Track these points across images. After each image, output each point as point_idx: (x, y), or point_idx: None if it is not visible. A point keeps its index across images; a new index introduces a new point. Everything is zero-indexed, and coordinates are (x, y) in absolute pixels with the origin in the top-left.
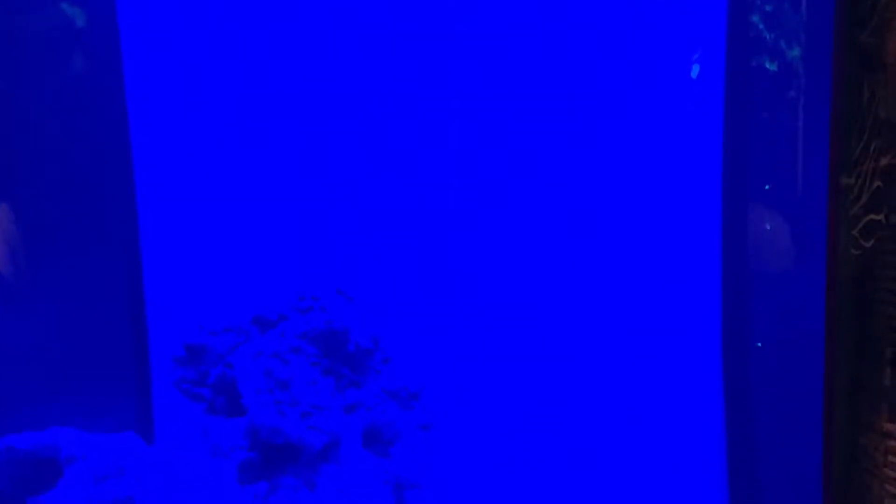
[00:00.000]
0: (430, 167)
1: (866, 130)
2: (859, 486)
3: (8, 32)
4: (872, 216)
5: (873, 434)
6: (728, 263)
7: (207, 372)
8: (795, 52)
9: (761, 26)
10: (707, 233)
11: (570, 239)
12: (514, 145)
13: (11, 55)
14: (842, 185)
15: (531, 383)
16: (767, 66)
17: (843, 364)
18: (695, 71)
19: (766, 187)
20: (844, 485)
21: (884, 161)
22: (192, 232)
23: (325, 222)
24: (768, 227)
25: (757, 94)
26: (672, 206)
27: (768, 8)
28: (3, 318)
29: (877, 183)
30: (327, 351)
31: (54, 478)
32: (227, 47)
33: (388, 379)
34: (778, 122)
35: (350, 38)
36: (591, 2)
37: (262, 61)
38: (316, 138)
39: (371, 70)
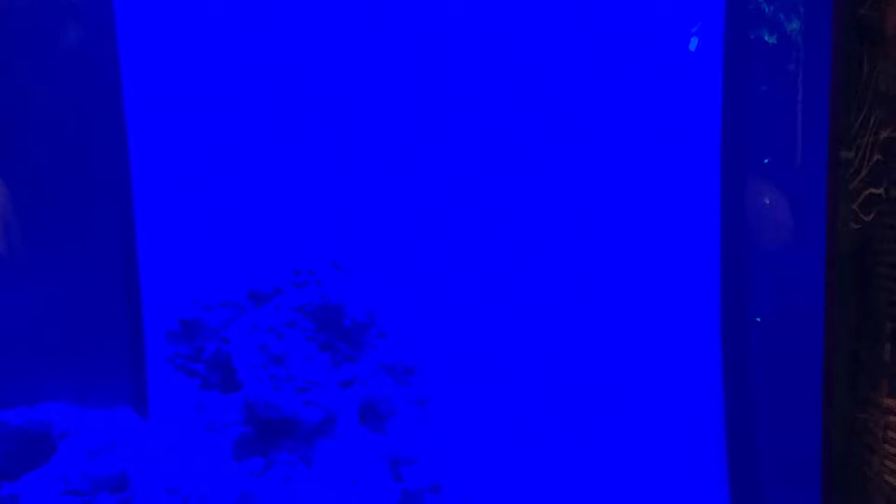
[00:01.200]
0: (427, 144)
1: (866, 104)
2: (859, 461)
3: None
4: (872, 190)
5: (873, 409)
6: (727, 238)
7: (202, 347)
8: (795, 24)
9: None
10: (706, 207)
11: (567, 213)
12: (510, 117)
13: (4, 28)
14: (841, 159)
15: (527, 357)
16: (766, 38)
17: (842, 339)
18: (693, 44)
19: (765, 161)
20: (844, 460)
21: (883, 134)
22: (187, 207)
23: (320, 196)
24: (767, 202)
25: (756, 67)
26: (670, 181)
27: None
28: None
29: (876, 156)
30: (323, 325)
31: (48, 453)
32: (221, 20)
33: (383, 354)
34: (777, 95)
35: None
36: None
37: (254, 35)
38: (312, 112)
39: (360, 50)
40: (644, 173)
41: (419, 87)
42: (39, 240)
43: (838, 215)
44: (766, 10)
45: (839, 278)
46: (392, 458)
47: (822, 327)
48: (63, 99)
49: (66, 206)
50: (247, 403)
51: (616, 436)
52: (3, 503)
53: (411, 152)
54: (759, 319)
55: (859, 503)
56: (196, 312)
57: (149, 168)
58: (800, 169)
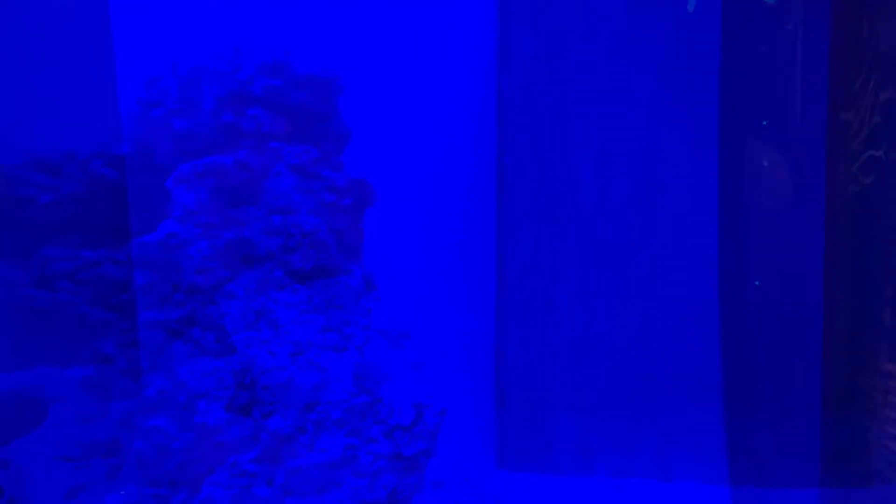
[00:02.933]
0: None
1: (866, 65)
2: (858, 426)
3: None
4: (872, 152)
5: (873, 374)
6: (724, 200)
7: (194, 310)
8: None
9: None
10: (703, 170)
11: (560, 173)
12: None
13: None
14: (841, 121)
15: (522, 321)
16: None
17: (842, 303)
18: (691, 4)
19: (764, 123)
20: (843, 425)
21: (883, 96)
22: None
23: None
24: (766, 164)
25: (754, 27)
26: (667, 142)
27: None
28: None
29: (876, 118)
30: (317, 288)
31: (38, 418)
32: None
33: (378, 317)
34: (776, 56)
35: None
36: None
37: None
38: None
39: None
40: (640, 135)
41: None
42: None
43: (837, 178)
44: None
45: (839, 242)
46: (386, 423)
47: (821, 292)
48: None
49: None
50: (240, 367)
51: (610, 403)
52: None
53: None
54: (757, 283)
55: (860, 469)
56: (188, 275)
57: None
58: (799, 131)
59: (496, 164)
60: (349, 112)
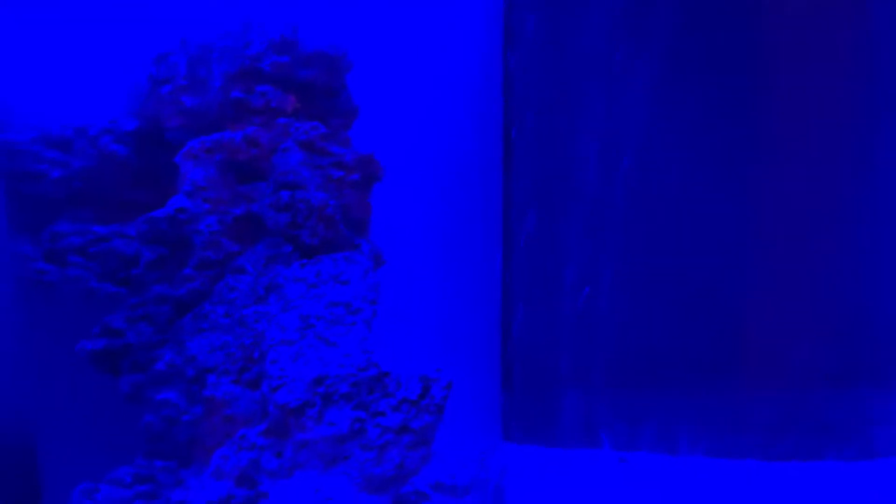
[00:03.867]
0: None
1: None
2: (862, 399)
3: None
4: None
5: (878, 347)
6: (728, 177)
7: (203, 285)
8: None
9: None
10: (708, 147)
11: (572, 150)
12: None
13: None
14: None
15: (527, 296)
16: None
17: (847, 276)
18: None
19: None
20: (847, 398)
21: None
22: None
23: None
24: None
25: None
26: (673, 120)
27: None
28: None
29: None
30: (325, 263)
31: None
32: None
33: (386, 292)
34: None
35: None
36: None
37: None
38: None
39: None
40: (645, 111)
41: None
42: None
43: None
44: None
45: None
46: (394, 397)
47: (827, 266)
48: None
49: None
50: (250, 342)
51: None
52: None
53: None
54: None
55: (864, 442)
56: (199, 251)
57: None
58: None
59: (502, 141)
60: (357, 89)
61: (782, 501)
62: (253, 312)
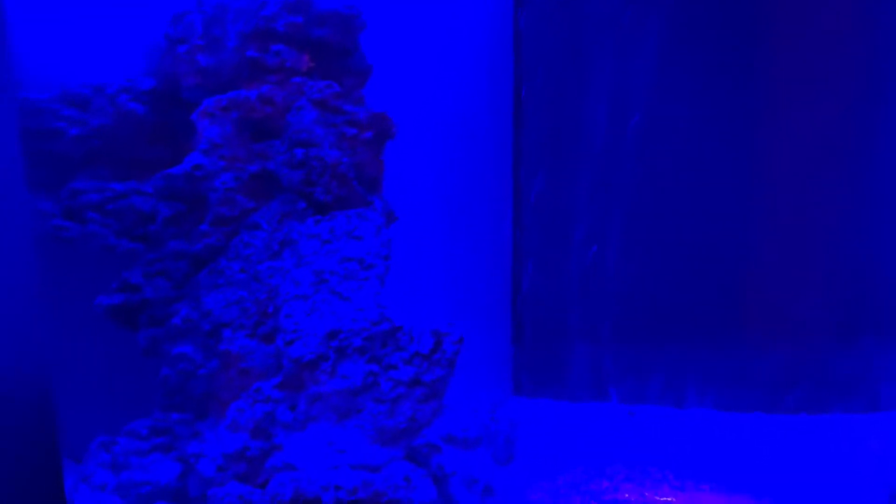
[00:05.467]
0: None
1: None
2: (867, 353)
3: None
4: None
5: (882, 302)
6: (737, 136)
7: (219, 241)
8: None
9: None
10: (716, 106)
11: (581, 109)
12: None
13: None
14: None
15: (537, 252)
16: None
17: (850, 230)
18: None
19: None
20: (852, 352)
21: None
22: None
23: None
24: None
25: None
26: (682, 79)
27: None
28: None
29: None
30: (338, 220)
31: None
32: None
33: (398, 248)
34: None
35: None
36: None
37: None
38: None
39: None
40: (654, 71)
41: None
42: None
43: None
44: None
45: None
46: (406, 351)
47: (829, 220)
48: None
49: None
50: (265, 297)
51: None
52: None
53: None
54: None
55: (868, 395)
56: (215, 208)
57: None
58: None
59: (512, 100)
60: (370, 48)
61: (789, 454)
62: (267, 268)
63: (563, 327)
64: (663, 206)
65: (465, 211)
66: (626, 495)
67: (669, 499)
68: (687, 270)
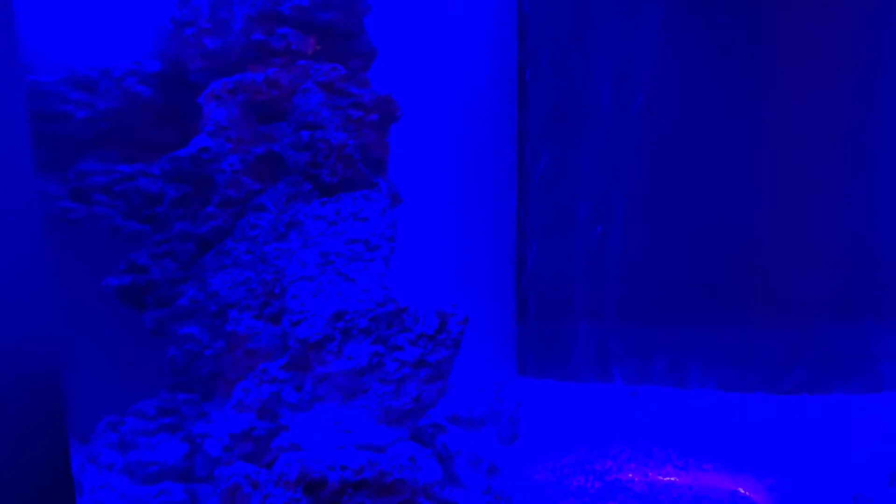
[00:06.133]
0: None
1: None
2: (868, 333)
3: None
4: None
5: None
6: (741, 114)
7: (226, 222)
8: None
9: None
10: (721, 82)
11: (585, 89)
12: None
13: None
14: None
15: (542, 232)
16: None
17: (859, 209)
18: None
19: None
20: (853, 333)
21: None
22: None
23: None
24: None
25: None
26: (685, 57)
27: None
28: None
29: None
30: (344, 201)
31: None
32: None
33: (403, 230)
34: None
35: None
36: None
37: None
38: None
39: None
40: (658, 48)
41: None
42: None
43: None
44: None
45: None
46: (411, 331)
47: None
48: None
49: None
50: (271, 278)
51: None
52: None
53: None
54: None
55: (870, 375)
56: (221, 190)
57: None
58: None
59: (517, 79)
60: (375, 31)
61: (790, 434)
62: (274, 249)
63: (568, 308)
64: (667, 187)
65: (470, 191)
66: (630, 475)
67: (672, 478)
68: (690, 251)
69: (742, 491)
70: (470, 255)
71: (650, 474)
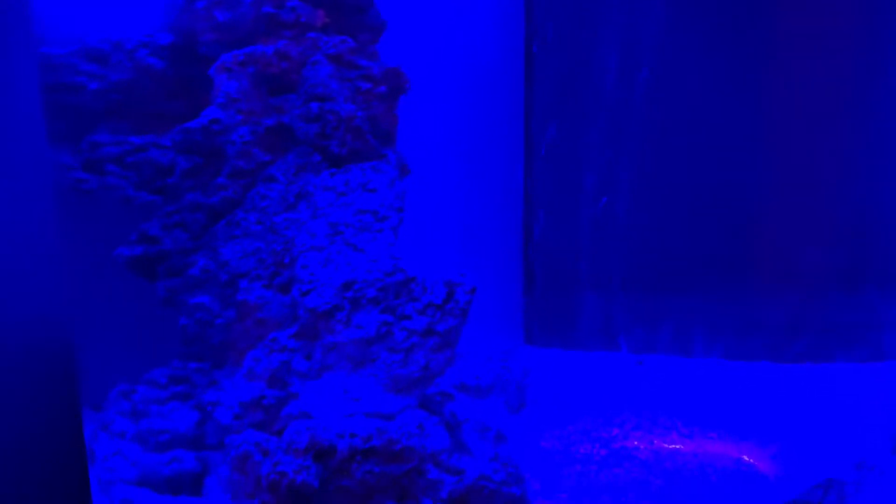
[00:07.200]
0: None
1: None
2: (872, 303)
3: None
4: None
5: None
6: (744, 85)
7: (236, 193)
8: None
9: None
10: (727, 57)
11: (591, 62)
12: None
13: None
14: None
15: (548, 202)
16: None
17: (859, 179)
18: None
19: None
20: (857, 302)
21: None
22: None
23: None
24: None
25: None
26: (691, 31)
27: None
28: None
29: None
30: (353, 172)
31: None
32: None
33: (411, 200)
34: None
35: None
36: None
37: None
38: None
39: None
40: (663, 22)
41: None
42: None
43: None
44: None
45: None
46: (419, 301)
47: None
48: None
49: None
50: (281, 248)
51: None
52: None
53: None
54: None
55: (873, 345)
56: (232, 161)
57: None
58: None
59: (524, 52)
60: (384, 4)
61: (794, 402)
62: (284, 219)
63: (574, 277)
64: (672, 157)
65: (478, 162)
66: (635, 442)
67: (677, 446)
68: (695, 221)
69: (746, 458)
70: (478, 223)
71: (655, 442)
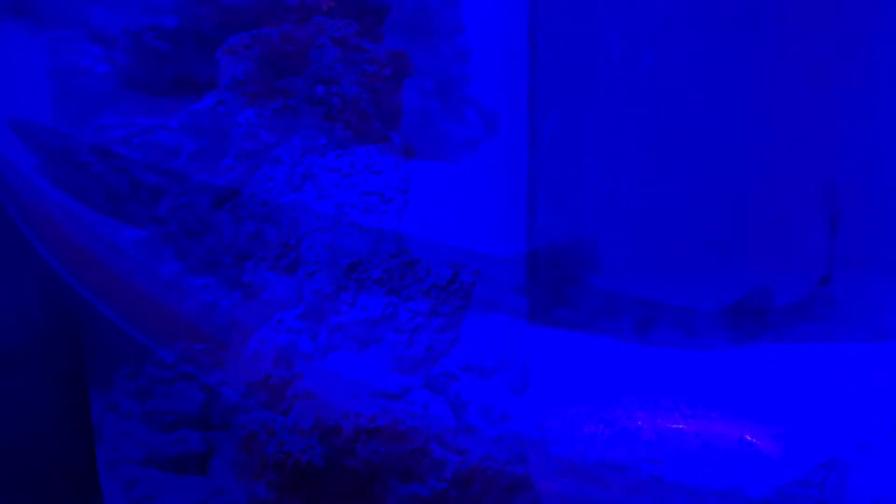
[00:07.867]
0: None
1: None
2: (873, 284)
3: None
4: None
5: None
6: (748, 71)
7: (242, 175)
8: None
9: None
10: (732, 43)
11: (596, 48)
12: None
13: None
14: None
15: (552, 186)
16: None
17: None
18: None
19: None
20: (858, 283)
21: None
22: None
23: None
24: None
25: None
26: (697, 16)
27: None
28: None
29: None
30: (359, 154)
31: None
32: None
33: (416, 183)
34: None
35: None
36: None
37: None
38: None
39: None
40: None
41: None
42: None
43: None
44: None
45: None
46: (424, 282)
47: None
48: None
49: None
50: (286, 229)
51: None
52: None
53: None
54: None
55: (874, 326)
56: (238, 143)
57: None
58: None
59: (528, 38)
60: None
61: (797, 383)
62: (289, 201)
63: (577, 259)
64: (676, 143)
65: (482, 145)
66: (639, 423)
67: (680, 426)
68: (699, 203)
69: (749, 438)
70: (482, 206)
71: (659, 422)
